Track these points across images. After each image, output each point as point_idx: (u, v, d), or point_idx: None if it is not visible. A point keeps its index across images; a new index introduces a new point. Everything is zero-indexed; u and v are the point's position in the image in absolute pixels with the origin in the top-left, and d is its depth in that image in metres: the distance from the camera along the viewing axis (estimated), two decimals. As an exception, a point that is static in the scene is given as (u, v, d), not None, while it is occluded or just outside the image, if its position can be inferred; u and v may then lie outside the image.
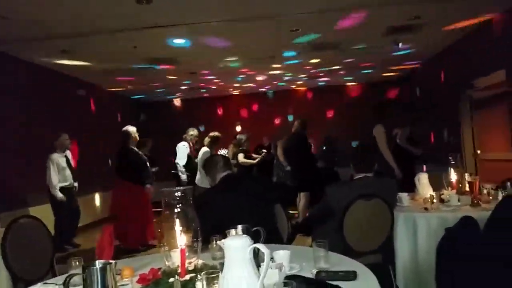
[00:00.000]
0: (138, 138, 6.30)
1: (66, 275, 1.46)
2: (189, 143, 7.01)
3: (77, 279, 1.42)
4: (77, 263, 1.75)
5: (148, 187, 6.10)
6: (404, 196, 3.43)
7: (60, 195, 6.19)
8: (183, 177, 6.80)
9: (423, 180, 3.75)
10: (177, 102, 12.20)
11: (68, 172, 6.41)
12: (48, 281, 2.00)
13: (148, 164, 6.30)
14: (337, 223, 2.88)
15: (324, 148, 8.91)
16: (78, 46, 6.31)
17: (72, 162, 6.69)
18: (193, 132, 7.14)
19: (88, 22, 5.32)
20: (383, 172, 4.70)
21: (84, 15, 5.07)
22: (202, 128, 10.45)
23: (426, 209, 3.23)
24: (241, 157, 7.57)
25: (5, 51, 6.20)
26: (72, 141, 6.94)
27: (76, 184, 6.53)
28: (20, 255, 2.77)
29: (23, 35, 5.62)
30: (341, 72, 9.97)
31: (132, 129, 6.26)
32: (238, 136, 8.00)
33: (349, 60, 8.47)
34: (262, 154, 7.91)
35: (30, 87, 6.93)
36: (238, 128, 11.57)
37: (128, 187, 6.08)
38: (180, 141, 7.08)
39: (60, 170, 6.28)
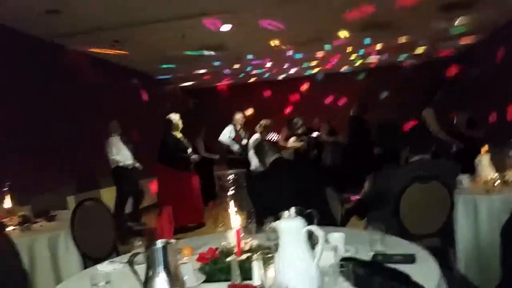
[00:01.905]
0: (181, 125, 6.38)
1: (130, 254, 1.54)
2: (234, 127, 7.07)
3: (140, 258, 1.49)
4: (140, 242, 1.85)
5: None
6: (464, 178, 3.28)
7: (123, 163, 6.45)
8: (236, 147, 6.84)
9: (484, 161, 3.55)
10: (227, 88, 12.30)
11: (126, 152, 6.65)
12: (114, 259, 2.12)
13: (188, 150, 6.38)
14: (392, 206, 2.82)
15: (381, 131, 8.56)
16: (129, 36, 6.52)
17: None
18: (237, 116, 7.15)
19: (137, 12, 5.47)
20: (441, 153, 4.53)
21: (134, 5, 5.22)
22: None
23: (488, 191, 3.07)
24: (290, 142, 7.46)
25: (60, 43, 6.51)
26: (131, 129, 7.26)
27: (137, 164, 6.73)
28: (87, 235, 2.97)
29: (75, 28, 5.88)
30: (393, 53, 9.60)
31: (174, 116, 6.38)
32: (294, 120, 7.87)
33: (401, 39, 8.14)
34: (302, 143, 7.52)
35: (88, 77, 7.31)
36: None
37: (165, 171, 6.22)
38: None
39: (119, 151, 6.54)
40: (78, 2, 4.96)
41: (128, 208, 6.87)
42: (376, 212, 2.98)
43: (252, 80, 11.86)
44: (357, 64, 10.81)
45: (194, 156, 6.36)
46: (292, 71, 10.98)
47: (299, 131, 7.62)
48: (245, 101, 11.65)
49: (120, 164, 6.48)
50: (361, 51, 9.21)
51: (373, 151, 6.48)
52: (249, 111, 7.53)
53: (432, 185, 2.82)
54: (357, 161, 6.43)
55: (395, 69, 11.20)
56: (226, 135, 7.00)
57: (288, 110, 11.66)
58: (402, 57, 10.29)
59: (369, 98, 10.56)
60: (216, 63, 9.13)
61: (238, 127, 7.08)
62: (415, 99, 9.25)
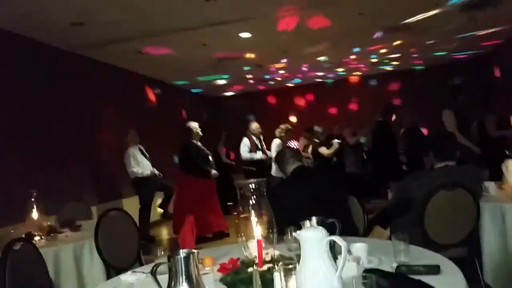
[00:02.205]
0: (200, 133, 6.45)
1: (153, 264, 1.55)
2: (250, 138, 7.03)
3: (163, 268, 1.50)
4: (162, 252, 1.86)
5: None
6: (491, 185, 3.20)
7: (141, 174, 6.54)
8: (257, 155, 6.87)
9: (511, 167, 3.45)
10: (245, 95, 12.40)
11: (146, 162, 6.70)
12: (136, 269, 2.14)
13: (210, 158, 6.46)
14: (416, 215, 2.76)
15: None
16: (151, 46, 6.65)
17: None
18: (253, 125, 7.10)
19: (159, 22, 5.57)
20: (467, 159, 4.43)
21: (154, 15, 5.32)
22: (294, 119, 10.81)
23: (516, 198, 2.99)
24: (323, 150, 7.40)
25: (83, 54, 6.69)
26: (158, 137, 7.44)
27: (157, 172, 6.79)
28: (111, 245, 3.01)
29: (99, 39, 6.03)
30: (413, 56, 9.49)
31: (194, 124, 6.45)
32: (314, 128, 7.84)
33: (422, 41, 8.04)
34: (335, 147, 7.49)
35: (113, 88, 7.53)
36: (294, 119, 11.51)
37: (190, 180, 6.25)
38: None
39: (138, 162, 6.58)
40: (101, 14, 5.09)
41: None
42: (400, 221, 2.93)
43: (279, 86, 11.92)
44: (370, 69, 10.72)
45: (215, 172, 6.40)
46: (320, 73, 10.98)
47: (321, 139, 7.61)
48: (268, 108, 11.75)
49: (139, 175, 6.54)
50: (374, 56, 9.13)
51: (399, 157, 6.32)
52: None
53: (458, 192, 2.75)
54: (381, 167, 6.30)
55: (412, 73, 11.07)
56: (245, 150, 6.98)
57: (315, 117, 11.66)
58: (424, 59, 10.15)
59: (391, 103, 10.47)
60: (224, 76, 9.25)
61: (254, 137, 7.01)
62: (437, 102, 9.16)
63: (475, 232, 2.86)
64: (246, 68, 9.06)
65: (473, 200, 2.77)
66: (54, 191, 5.30)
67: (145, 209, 6.74)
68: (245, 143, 7.05)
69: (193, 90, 10.85)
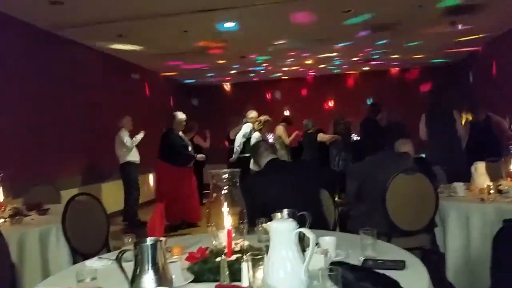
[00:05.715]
0: (184, 124, 6.41)
1: (119, 250, 1.53)
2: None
3: (129, 255, 1.48)
4: (130, 239, 1.83)
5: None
6: (459, 185, 3.28)
7: (132, 159, 6.60)
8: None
9: (480, 170, 3.55)
10: (228, 86, 12.33)
11: (134, 148, 6.71)
12: (102, 255, 2.11)
13: (189, 147, 6.41)
14: (377, 203, 2.90)
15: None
16: (132, 30, 6.50)
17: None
18: (252, 113, 6.83)
19: (141, 6, 5.45)
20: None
21: (137, -1, 5.20)
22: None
23: (482, 200, 3.08)
24: (321, 136, 7.59)
25: (63, 35, 6.49)
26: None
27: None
28: (78, 230, 2.95)
29: (79, 20, 5.85)
30: (393, 56, 9.62)
31: (180, 115, 6.39)
32: (304, 121, 8.03)
33: (405, 43, 8.18)
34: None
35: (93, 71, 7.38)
36: (287, 112, 11.54)
37: (166, 168, 6.25)
38: (232, 124, 7.08)
39: (125, 146, 6.60)
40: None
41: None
42: (360, 210, 3.09)
43: (253, 79, 11.89)
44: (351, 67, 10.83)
45: (201, 156, 6.44)
46: (291, 71, 11.01)
47: (311, 131, 7.80)
48: (246, 100, 11.73)
49: (128, 160, 6.60)
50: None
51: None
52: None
53: (416, 176, 3.01)
54: None
55: (389, 73, 11.24)
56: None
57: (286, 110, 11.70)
58: (398, 62, 10.30)
59: (357, 102, 10.59)
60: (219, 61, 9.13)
61: (253, 125, 6.69)
62: (410, 104, 9.34)
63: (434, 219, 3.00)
64: (228, 59, 8.97)
65: (432, 186, 2.94)
66: (25, 173, 5.17)
67: (132, 194, 6.74)
68: (246, 129, 6.70)
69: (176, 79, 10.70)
